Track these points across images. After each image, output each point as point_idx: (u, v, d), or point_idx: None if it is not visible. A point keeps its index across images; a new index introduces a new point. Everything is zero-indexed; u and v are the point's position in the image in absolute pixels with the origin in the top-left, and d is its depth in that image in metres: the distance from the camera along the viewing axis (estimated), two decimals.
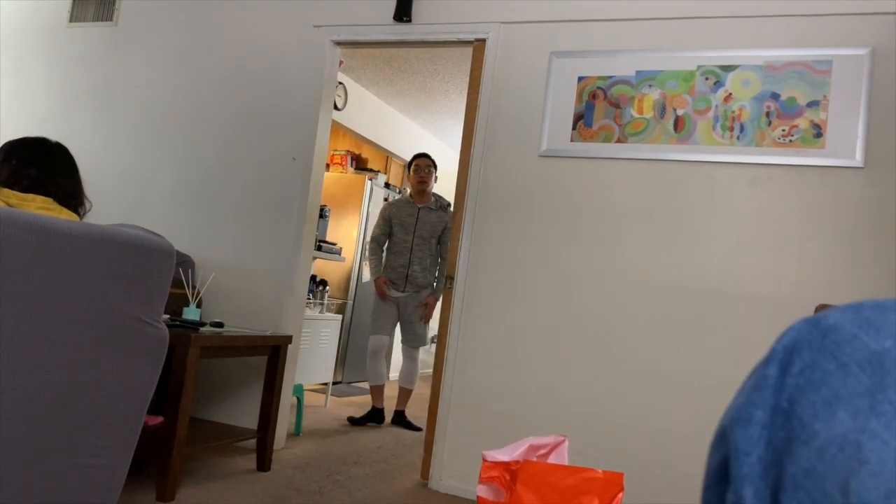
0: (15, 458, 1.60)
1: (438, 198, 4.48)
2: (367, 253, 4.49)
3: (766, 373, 0.46)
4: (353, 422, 4.29)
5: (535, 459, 1.64)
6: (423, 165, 4.46)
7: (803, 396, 0.43)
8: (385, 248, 4.48)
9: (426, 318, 4.39)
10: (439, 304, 3.81)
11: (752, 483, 0.43)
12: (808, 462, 0.40)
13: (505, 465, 1.59)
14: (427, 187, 4.43)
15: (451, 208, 4.30)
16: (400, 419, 4.42)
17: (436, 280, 4.42)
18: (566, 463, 1.71)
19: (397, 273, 4.35)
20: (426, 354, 7.57)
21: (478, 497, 1.62)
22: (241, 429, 3.18)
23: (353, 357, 6.00)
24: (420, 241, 4.35)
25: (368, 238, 5.41)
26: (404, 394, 4.44)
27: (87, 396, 1.74)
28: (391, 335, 4.42)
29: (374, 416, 4.35)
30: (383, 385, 4.42)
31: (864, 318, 0.43)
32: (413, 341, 4.37)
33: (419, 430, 4.12)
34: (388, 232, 4.45)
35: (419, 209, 4.40)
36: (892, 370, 0.40)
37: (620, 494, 1.51)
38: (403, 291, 4.36)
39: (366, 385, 6.11)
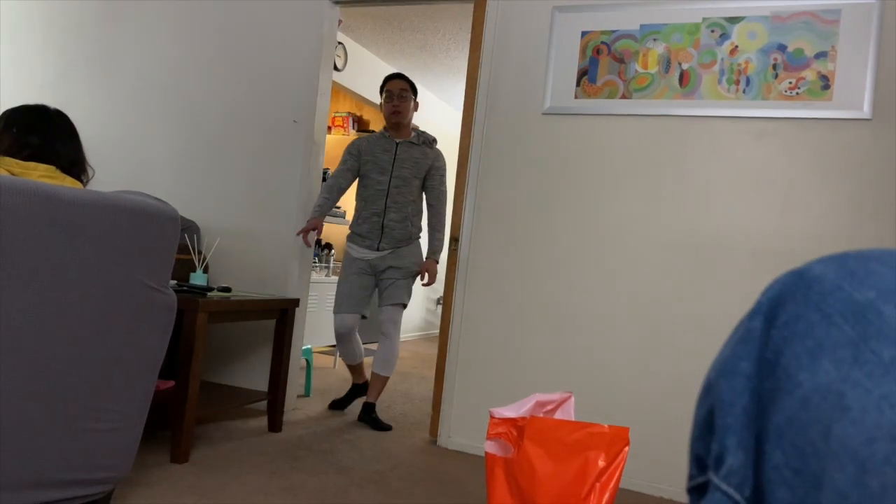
0: (30, 424, 1.63)
1: (421, 132, 3.51)
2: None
3: (752, 325, 0.46)
4: (336, 405, 3.60)
5: (541, 415, 1.66)
6: (395, 90, 3.43)
7: (788, 348, 0.43)
8: (351, 192, 3.40)
9: (429, 283, 3.44)
10: (443, 265, 3.67)
11: (736, 433, 0.44)
12: (792, 411, 0.41)
13: (512, 422, 1.61)
14: (403, 119, 3.43)
15: (438, 145, 3.57)
16: (367, 415, 3.37)
17: (429, 237, 3.48)
18: (572, 418, 1.73)
19: (370, 224, 3.37)
20: (433, 316, 7.63)
21: (486, 453, 1.64)
22: (251, 391, 3.23)
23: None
24: (399, 183, 3.37)
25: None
26: (378, 383, 3.42)
27: (99, 362, 1.76)
28: (364, 311, 3.42)
29: (358, 393, 3.64)
30: (362, 361, 3.59)
31: (848, 269, 0.43)
32: (393, 297, 3.37)
33: (388, 428, 3.31)
34: (354, 171, 3.44)
35: (397, 144, 3.43)
36: (874, 321, 0.40)
37: (626, 448, 1.53)
38: (378, 250, 3.38)
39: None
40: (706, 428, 0.48)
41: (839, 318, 0.41)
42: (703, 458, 0.49)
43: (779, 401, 0.42)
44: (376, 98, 6.12)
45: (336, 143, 6.01)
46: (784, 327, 0.44)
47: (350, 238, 3.47)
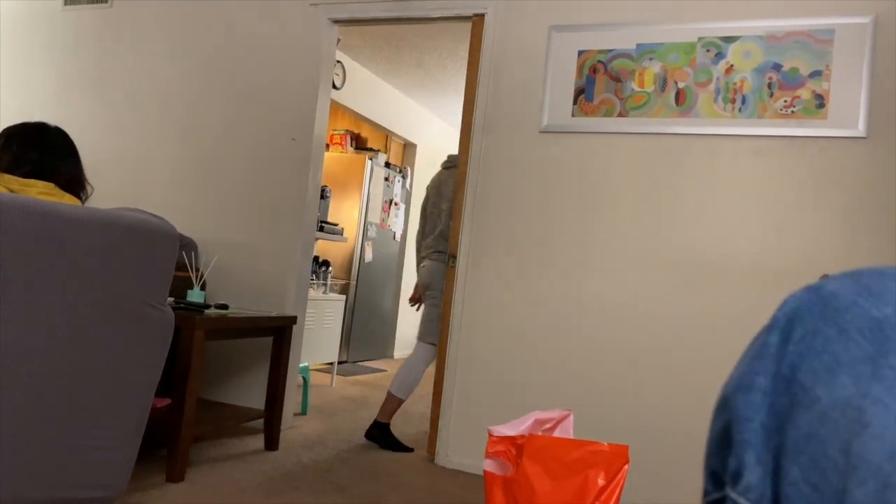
0: (24, 442, 1.62)
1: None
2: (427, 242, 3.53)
3: (768, 340, 0.46)
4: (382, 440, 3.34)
5: (540, 433, 1.65)
6: None
7: (804, 363, 0.43)
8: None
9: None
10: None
11: (753, 448, 0.44)
12: (810, 427, 0.41)
13: (511, 440, 1.60)
14: None
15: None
16: (387, 435, 3.33)
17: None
18: (571, 437, 1.72)
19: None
20: None
21: (484, 471, 1.64)
22: (248, 409, 3.21)
23: (357, 337, 6.03)
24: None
25: (372, 219, 4.97)
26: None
27: (95, 380, 1.75)
28: None
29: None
30: None
31: (864, 285, 0.44)
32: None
33: (410, 450, 3.29)
34: None
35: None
36: (892, 336, 0.40)
37: (626, 466, 1.52)
38: None
39: (371, 363, 6.16)
40: (722, 443, 0.48)
41: (856, 334, 0.42)
42: (719, 474, 0.49)
43: (796, 417, 0.42)
44: (374, 116, 6.16)
45: (334, 161, 6.03)
46: (800, 343, 0.44)
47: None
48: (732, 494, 0.45)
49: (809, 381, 0.42)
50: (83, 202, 2.00)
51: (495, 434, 1.62)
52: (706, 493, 0.51)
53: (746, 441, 0.45)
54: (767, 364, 0.45)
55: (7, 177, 1.83)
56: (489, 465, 1.63)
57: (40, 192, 1.85)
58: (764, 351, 0.46)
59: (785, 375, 0.44)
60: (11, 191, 1.79)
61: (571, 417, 1.75)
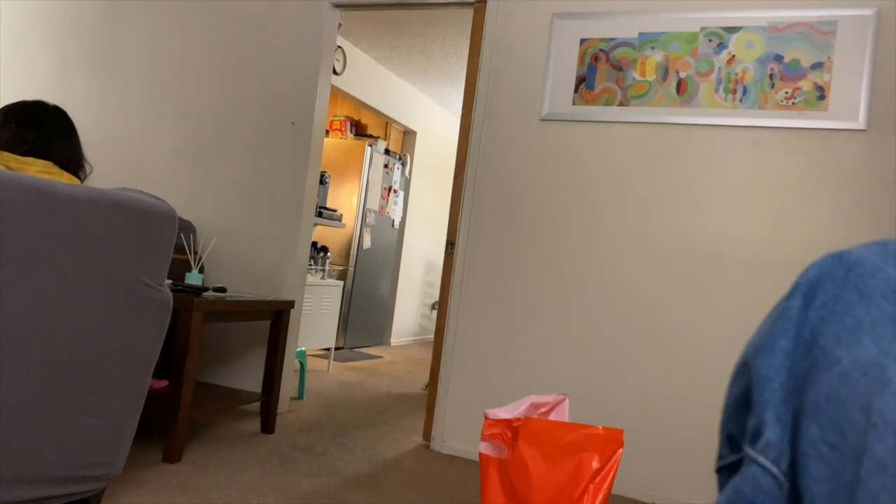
0: (23, 421, 1.63)
1: None
2: None
3: (790, 305, 0.47)
4: None
5: (536, 417, 1.66)
6: None
7: (825, 327, 0.44)
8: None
9: None
10: (439, 268, 3.60)
11: (773, 407, 0.45)
12: (830, 387, 0.42)
13: (507, 423, 1.61)
14: None
15: None
16: None
17: None
18: (567, 421, 1.73)
19: None
20: (428, 321, 7.63)
21: (480, 453, 1.65)
22: (245, 392, 3.22)
23: (354, 323, 6.05)
24: None
25: (371, 206, 5.01)
26: None
27: (93, 359, 1.76)
28: None
29: None
30: None
31: (891, 252, 0.44)
32: None
33: None
34: None
35: None
36: None
37: (620, 450, 1.53)
38: None
39: (368, 350, 6.17)
40: (741, 406, 0.49)
41: (879, 298, 0.42)
42: (735, 438, 0.50)
43: (816, 378, 0.43)
44: (374, 102, 6.14)
45: (334, 147, 6.01)
46: (822, 308, 0.45)
47: None
48: (751, 452, 0.46)
49: (830, 345, 0.43)
50: (82, 181, 2.00)
51: (491, 417, 1.63)
52: (721, 457, 0.51)
53: (766, 401, 0.45)
54: (789, 327, 0.46)
55: (5, 154, 1.83)
56: (485, 448, 1.64)
57: (39, 170, 1.85)
58: (786, 315, 0.47)
59: (806, 339, 0.45)
60: (9, 169, 1.79)
61: (567, 402, 1.76)
